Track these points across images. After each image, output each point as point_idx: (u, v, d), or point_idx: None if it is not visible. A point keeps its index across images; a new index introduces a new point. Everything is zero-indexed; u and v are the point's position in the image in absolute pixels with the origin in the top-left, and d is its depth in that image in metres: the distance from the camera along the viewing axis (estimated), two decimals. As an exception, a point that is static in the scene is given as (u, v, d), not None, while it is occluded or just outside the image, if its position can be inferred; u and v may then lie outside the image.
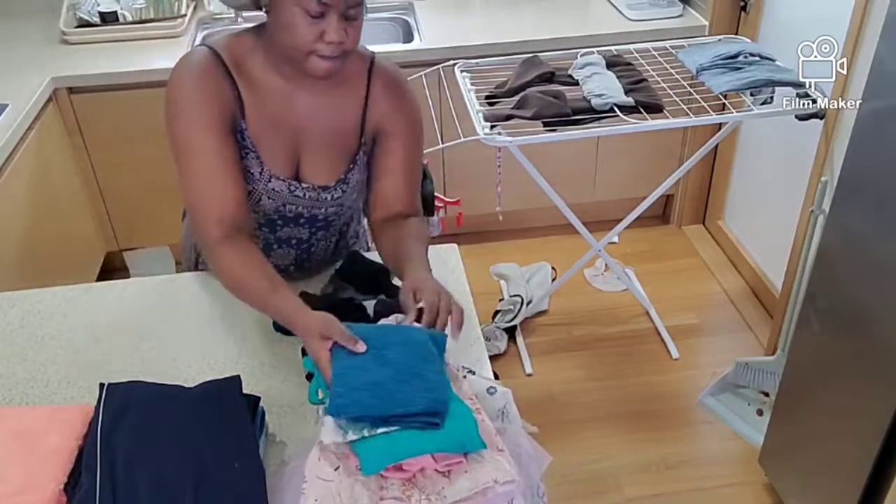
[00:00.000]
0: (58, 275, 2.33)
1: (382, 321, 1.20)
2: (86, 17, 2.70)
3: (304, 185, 1.32)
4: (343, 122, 1.32)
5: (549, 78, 2.18)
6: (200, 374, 1.27)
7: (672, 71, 2.22)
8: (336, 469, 0.96)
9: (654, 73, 2.21)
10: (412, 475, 0.95)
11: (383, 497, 0.93)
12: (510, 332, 2.66)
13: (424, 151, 2.04)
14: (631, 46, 2.37)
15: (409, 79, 2.35)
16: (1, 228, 2.10)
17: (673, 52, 2.31)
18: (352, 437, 0.96)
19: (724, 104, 2.12)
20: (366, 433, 0.96)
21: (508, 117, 2.04)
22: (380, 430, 0.96)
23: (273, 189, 1.30)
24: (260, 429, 1.12)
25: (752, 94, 2.07)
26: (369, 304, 1.37)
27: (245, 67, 1.24)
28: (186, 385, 1.13)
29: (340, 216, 1.42)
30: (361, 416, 0.97)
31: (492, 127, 2.03)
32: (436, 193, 2.19)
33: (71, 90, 2.48)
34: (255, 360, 1.31)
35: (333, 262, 1.46)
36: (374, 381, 0.99)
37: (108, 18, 2.71)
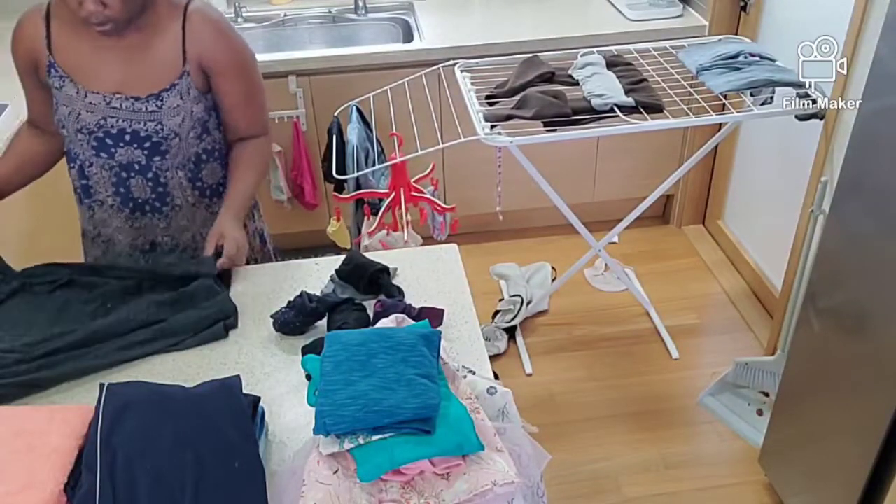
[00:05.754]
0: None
1: (382, 321, 1.20)
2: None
3: (118, 95, 1.47)
4: (160, 53, 1.47)
5: (549, 78, 2.18)
6: (200, 374, 1.28)
7: (672, 71, 2.22)
8: (335, 472, 0.96)
9: (654, 73, 2.21)
10: (411, 478, 0.95)
11: (382, 500, 0.94)
12: (510, 332, 2.66)
13: (423, 151, 2.07)
14: (631, 46, 2.37)
15: (408, 79, 2.40)
16: (1, 228, 2.10)
17: (673, 52, 2.31)
18: (348, 445, 0.97)
19: (724, 104, 2.12)
20: (361, 441, 0.96)
21: (508, 117, 2.04)
22: (374, 438, 0.96)
23: (90, 102, 1.48)
24: (260, 429, 1.12)
25: (752, 95, 2.07)
26: (369, 304, 1.37)
27: (63, 11, 1.44)
28: (186, 385, 1.13)
29: (168, 140, 1.51)
30: (353, 430, 0.97)
31: (492, 127, 2.03)
32: (432, 199, 2.20)
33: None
34: (255, 360, 1.31)
35: (201, 207, 1.62)
36: (360, 393, 0.99)
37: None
